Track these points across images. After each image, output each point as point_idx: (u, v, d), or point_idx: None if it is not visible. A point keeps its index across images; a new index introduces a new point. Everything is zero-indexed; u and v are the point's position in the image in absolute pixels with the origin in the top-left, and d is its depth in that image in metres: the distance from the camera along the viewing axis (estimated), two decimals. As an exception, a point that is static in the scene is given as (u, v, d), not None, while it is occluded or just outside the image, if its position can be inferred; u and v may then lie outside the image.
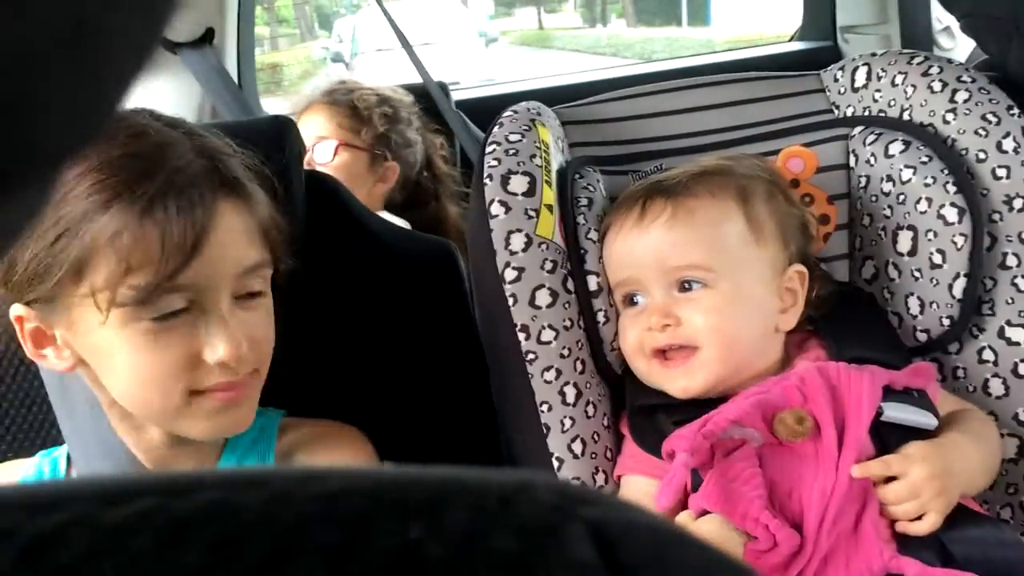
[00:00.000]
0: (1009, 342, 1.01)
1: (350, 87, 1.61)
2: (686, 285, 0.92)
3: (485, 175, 0.98)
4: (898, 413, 0.88)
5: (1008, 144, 1.01)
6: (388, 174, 1.59)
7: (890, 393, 0.89)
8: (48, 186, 0.15)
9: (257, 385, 0.83)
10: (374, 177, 1.57)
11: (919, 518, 0.83)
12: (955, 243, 0.99)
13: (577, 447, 0.95)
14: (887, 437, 0.87)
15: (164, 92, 1.69)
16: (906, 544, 0.82)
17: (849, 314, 1.01)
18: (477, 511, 0.17)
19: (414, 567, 0.16)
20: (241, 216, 0.79)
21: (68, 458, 0.89)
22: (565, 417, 0.95)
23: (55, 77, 0.13)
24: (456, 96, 1.86)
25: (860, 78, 1.12)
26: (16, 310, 0.78)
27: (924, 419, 0.89)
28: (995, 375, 1.02)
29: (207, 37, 1.69)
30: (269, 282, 0.84)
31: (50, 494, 0.18)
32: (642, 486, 0.93)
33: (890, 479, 0.83)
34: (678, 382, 0.92)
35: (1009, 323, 1.01)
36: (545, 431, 0.94)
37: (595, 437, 0.96)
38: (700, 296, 0.92)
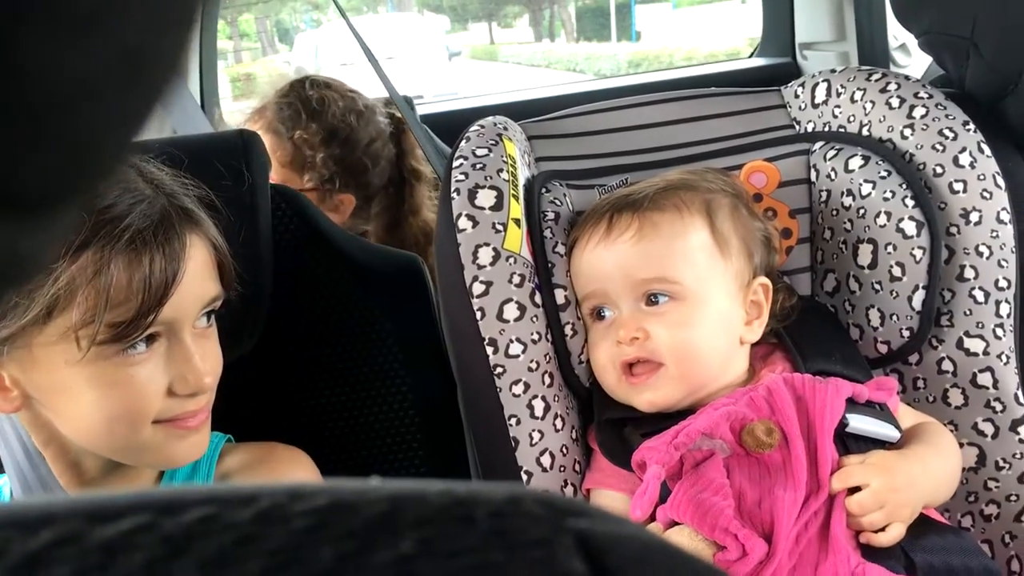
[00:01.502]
0: (967, 353, 1.03)
1: (300, 107, 1.42)
2: (653, 299, 0.93)
3: (452, 189, 0.98)
4: (862, 424, 0.89)
5: (964, 159, 1.03)
6: (342, 205, 1.47)
7: (853, 405, 0.90)
8: (77, 212, 0.15)
9: (210, 410, 0.83)
10: (324, 211, 1.38)
11: (883, 528, 0.84)
12: (914, 256, 1.01)
13: (546, 460, 0.95)
14: (852, 447, 0.88)
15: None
16: (870, 553, 0.83)
17: (811, 328, 1.02)
18: (468, 524, 0.17)
19: (407, 582, 0.16)
20: (203, 248, 0.80)
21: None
22: (534, 430, 0.95)
23: (105, 104, 0.13)
24: (421, 110, 1.86)
25: (820, 94, 1.14)
26: None
27: (887, 431, 0.91)
28: (954, 385, 1.04)
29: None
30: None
31: (38, 512, 0.17)
32: (611, 500, 0.94)
33: (854, 489, 0.85)
34: (644, 395, 0.93)
35: (967, 334, 1.03)
36: (514, 444, 0.94)
37: (564, 450, 0.96)
38: (667, 309, 0.92)
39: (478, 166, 0.99)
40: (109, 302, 0.71)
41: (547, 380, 0.97)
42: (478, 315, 0.95)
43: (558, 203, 1.04)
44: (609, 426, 0.96)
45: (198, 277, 0.79)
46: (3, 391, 0.76)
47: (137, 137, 0.15)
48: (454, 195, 0.98)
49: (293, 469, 0.90)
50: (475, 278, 0.95)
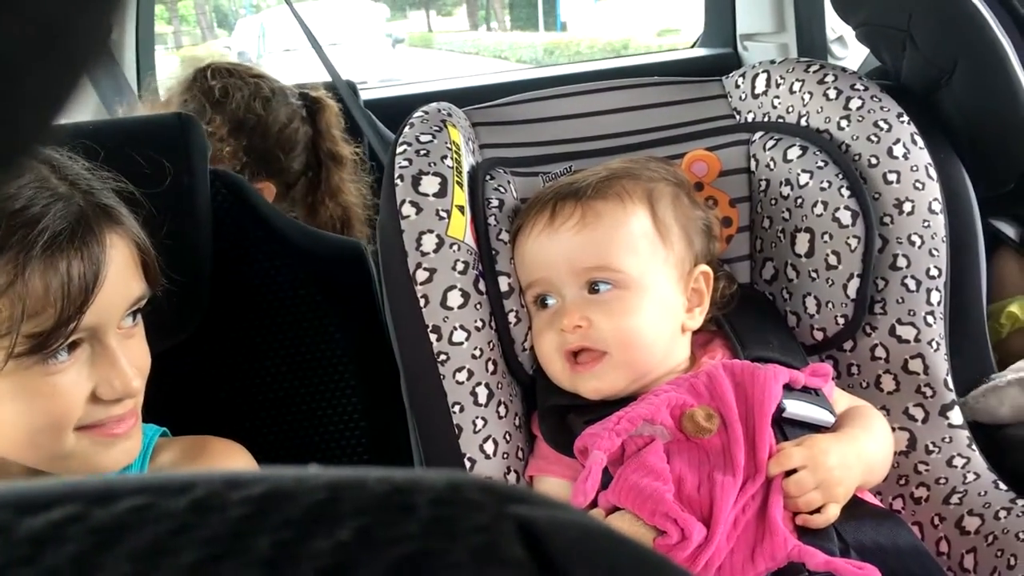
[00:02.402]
0: (899, 340, 1.06)
1: (203, 99, 1.36)
2: (595, 287, 0.94)
3: (396, 176, 0.97)
4: (799, 410, 0.91)
5: (898, 150, 1.06)
6: (262, 193, 1.36)
7: (790, 391, 0.92)
8: None
9: (138, 413, 0.80)
10: None
11: (818, 510, 0.86)
12: (849, 245, 1.03)
13: (489, 447, 0.95)
14: (788, 432, 0.90)
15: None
16: (806, 535, 0.85)
17: (749, 316, 1.04)
18: (407, 512, 0.17)
19: (345, 570, 0.16)
20: (125, 247, 0.76)
21: None
22: (477, 418, 0.95)
23: (23, 81, 0.13)
24: (365, 96, 1.84)
25: (760, 85, 1.15)
26: None
27: (822, 416, 0.93)
28: (886, 371, 1.06)
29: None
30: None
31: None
32: (553, 486, 0.94)
33: (790, 472, 0.87)
34: (589, 383, 0.94)
35: (899, 321, 1.06)
36: (457, 432, 0.94)
37: (507, 437, 0.97)
38: (609, 298, 0.93)
39: (422, 152, 0.99)
40: (26, 312, 0.67)
41: (491, 367, 0.97)
42: (421, 302, 0.94)
43: (502, 190, 1.04)
44: (552, 413, 0.97)
45: (121, 278, 0.74)
46: None
47: (58, 118, 0.14)
48: (398, 181, 0.97)
49: (229, 462, 0.88)
50: (418, 265, 0.95)
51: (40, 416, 0.71)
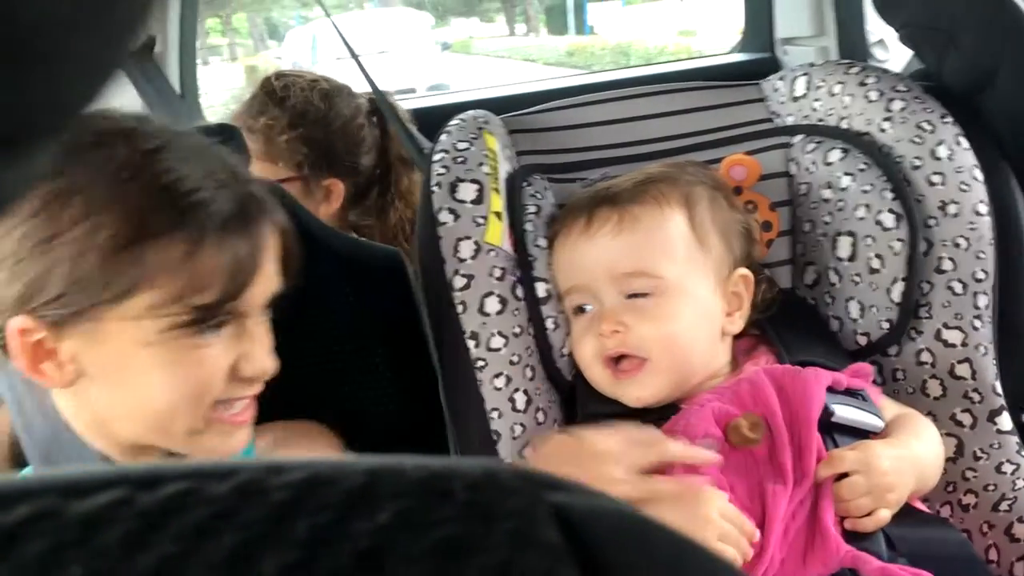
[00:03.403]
0: (946, 344, 1.04)
1: (266, 98, 1.39)
2: (633, 292, 0.93)
3: (433, 183, 0.98)
4: (847, 414, 0.90)
5: (942, 151, 1.04)
6: (331, 193, 1.39)
7: (836, 394, 0.91)
8: (47, 154, 0.15)
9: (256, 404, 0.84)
10: (314, 202, 1.36)
11: (869, 514, 0.85)
12: (892, 248, 1.02)
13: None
14: (839, 438, 0.89)
15: (101, 103, 1.65)
16: (854, 539, 0.84)
17: (792, 320, 1.03)
18: (445, 497, 0.17)
19: (384, 553, 0.16)
20: (275, 238, 0.80)
21: None
22: (515, 424, 0.95)
23: (74, 44, 0.13)
24: (404, 105, 1.85)
25: (800, 88, 1.14)
26: (19, 322, 0.72)
27: (871, 420, 0.92)
28: (933, 376, 1.04)
29: (148, 46, 1.67)
30: None
31: (13, 488, 0.17)
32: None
33: (842, 476, 0.85)
34: (632, 392, 0.93)
35: (946, 326, 1.04)
36: (495, 438, 0.95)
37: (546, 443, 0.97)
38: (648, 303, 0.93)
39: (459, 159, 0.99)
40: (195, 285, 0.71)
41: (529, 373, 0.97)
42: (459, 308, 0.95)
43: (539, 196, 1.04)
44: (593, 420, 0.96)
45: (272, 266, 0.79)
46: (58, 364, 0.74)
47: (103, 86, 0.15)
48: (435, 188, 0.97)
49: (327, 443, 0.92)
50: (456, 271, 0.95)
51: (185, 385, 0.75)
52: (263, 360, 0.79)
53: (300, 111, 1.38)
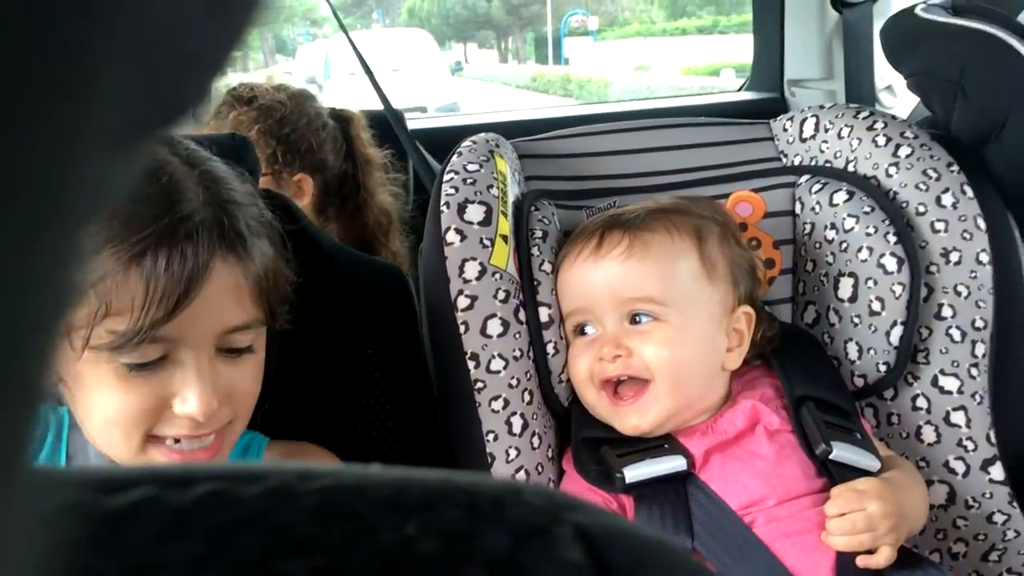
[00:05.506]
0: (942, 391, 1.04)
1: (233, 100, 1.44)
2: (637, 318, 0.94)
3: (442, 203, 0.99)
4: (846, 453, 0.90)
5: (947, 199, 1.05)
6: (301, 188, 1.44)
7: (837, 432, 0.91)
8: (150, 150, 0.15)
9: (231, 435, 0.81)
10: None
11: (870, 552, 0.85)
12: (893, 292, 1.03)
13: (521, 478, 0.95)
14: (836, 475, 0.89)
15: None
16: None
17: (796, 352, 1.03)
18: (471, 511, 0.18)
19: (410, 563, 0.17)
20: (234, 274, 0.76)
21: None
22: (510, 447, 0.95)
23: (195, 35, 0.13)
24: (414, 125, 1.87)
25: (808, 129, 1.16)
26: None
27: (868, 461, 0.92)
28: (927, 422, 1.05)
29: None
30: (263, 338, 0.82)
31: (47, 480, 0.18)
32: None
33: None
34: (630, 420, 0.94)
35: (942, 372, 1.04)
36: (490, 460, 0.95)
37: (539, 468, 0.97)
38: (651, 329, 0.93)
39: (468, 181, 1.00)
40: (108, 310, 0.69)
41: (527, 397, 0.97)
42: (461, 329, 0.95)
43: (546, 222, 1.05)
44: (586, 445, 0.96)
45: (219, 302, 0.75)
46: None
47: (216, 78, 0.15)
48: (443, 208, 0.98)
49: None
50: (460, 292, 0.95)
51: (111, 409, 0.73)
52: (192, 402, 0.73)
53: (267, 107, 1.44)
